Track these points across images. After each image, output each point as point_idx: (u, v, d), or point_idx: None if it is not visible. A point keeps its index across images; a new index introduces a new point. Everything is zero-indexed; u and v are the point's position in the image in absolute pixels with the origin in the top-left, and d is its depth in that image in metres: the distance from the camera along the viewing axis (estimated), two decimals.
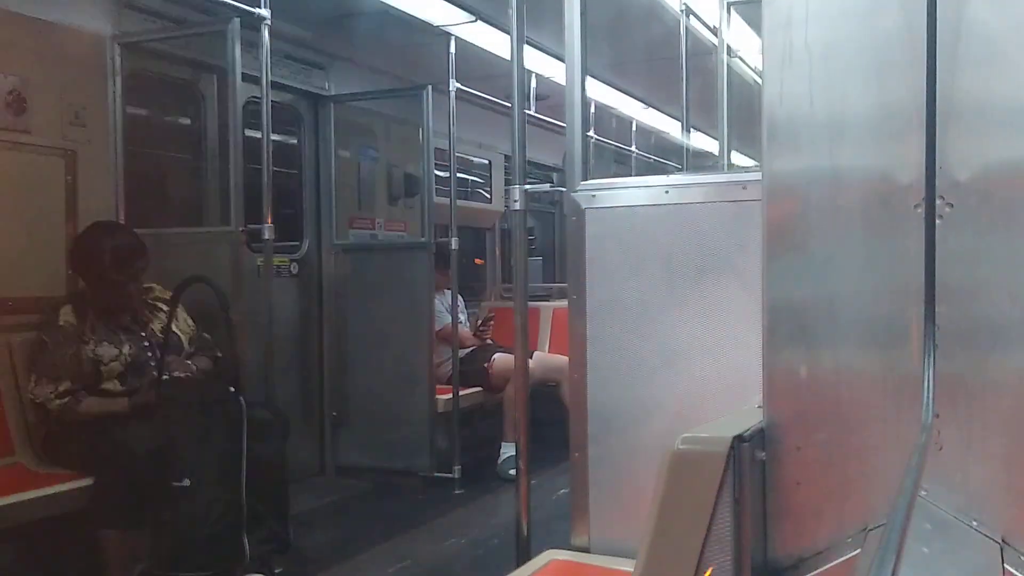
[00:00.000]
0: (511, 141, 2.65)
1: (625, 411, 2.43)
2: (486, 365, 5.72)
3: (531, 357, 5.71)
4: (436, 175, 5.47)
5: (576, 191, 2.48)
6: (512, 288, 2.89)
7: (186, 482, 3.17)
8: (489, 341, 6.05)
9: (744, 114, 4.38)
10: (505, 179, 7.33)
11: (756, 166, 1.96)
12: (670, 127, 7.83)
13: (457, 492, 5.11)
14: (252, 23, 3.95)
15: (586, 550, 2.46)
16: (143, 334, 3.57)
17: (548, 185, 7.48)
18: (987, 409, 1.53)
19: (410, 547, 4.21)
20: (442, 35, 5.06)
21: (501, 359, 5.65)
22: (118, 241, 3.53)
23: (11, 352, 3.51)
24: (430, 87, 5.16)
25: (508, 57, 2.64)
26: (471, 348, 5.87)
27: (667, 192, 2.39)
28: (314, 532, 4.36)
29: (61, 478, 3.24)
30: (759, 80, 1.74)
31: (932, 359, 1.51)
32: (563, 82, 2.53)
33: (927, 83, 1.53)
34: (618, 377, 2.44)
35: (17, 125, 3.63)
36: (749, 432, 1.57)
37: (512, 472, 3.37)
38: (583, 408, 2.48)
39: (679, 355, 2.36)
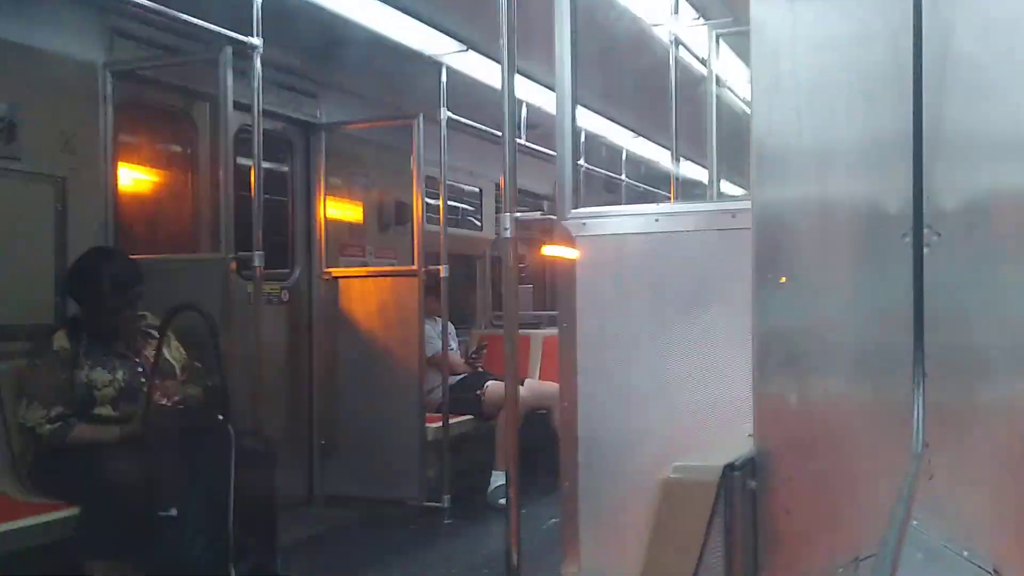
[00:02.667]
0: (502, 169, 2.66)
1: (616, 440, 2.42)
2: (479, 392, 5.70)
3: (522, 384, 5.74)
4: (427, 203, 5.48)
5: (567, 219, 2.49)
6: (502, 316, 2.89)
7: (173, 512, 3.14)
8: (481, 369, 6.04)
9: (733, 143, 4.41)
10: (495, 207, 7.35)
11: (745, 195, 1.97)
12: (660, 156, 7.88)
13: (447, 522, 5.07)
14: (244, 51, 3.96)
15: None
16: (136, 360, 3.56)
17: (539, 213, 7.50)
18: (977, 438, 1.53)
19: None
20: (434, 64, 5.10)
21: (494, 387, 5.62)
22: (116, 267, 3.54)
23: None
24: (421, 116, 5.18)
25: (499, 86, 2.66)
26: (463, 375, 5.85)
27: (657, 220, 2.40)
28: (302, 562, 4.31)
29: (46, 508, 3.20)
30: (748, 110, 1.75)
31: (922, 388, 1.51)
32: (554, 111, 2.55)
33: (914, 113, 1.54)
34: (608, 405, 2.43)
35: (7, 152, 3.62)
36: (740, 461, 1.57)
37: (502, 501, 3.35)
38: (573, 437, 2.47)
39: (669, 383, 2.36)
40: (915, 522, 1.52)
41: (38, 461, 3.39)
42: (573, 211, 2.49)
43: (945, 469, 1.54)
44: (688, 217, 2.38)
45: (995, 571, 1.50)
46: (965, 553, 1.52)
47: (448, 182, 5.50)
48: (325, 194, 5.54)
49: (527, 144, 5.65)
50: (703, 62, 4.70)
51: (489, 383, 5.70)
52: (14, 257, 3.70)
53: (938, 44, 1.54)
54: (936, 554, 1.52)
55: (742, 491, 1.56)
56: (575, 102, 2.53)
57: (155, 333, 3.62)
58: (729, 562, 1.51)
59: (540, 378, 6.48)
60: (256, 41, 3.98)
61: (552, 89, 2.56)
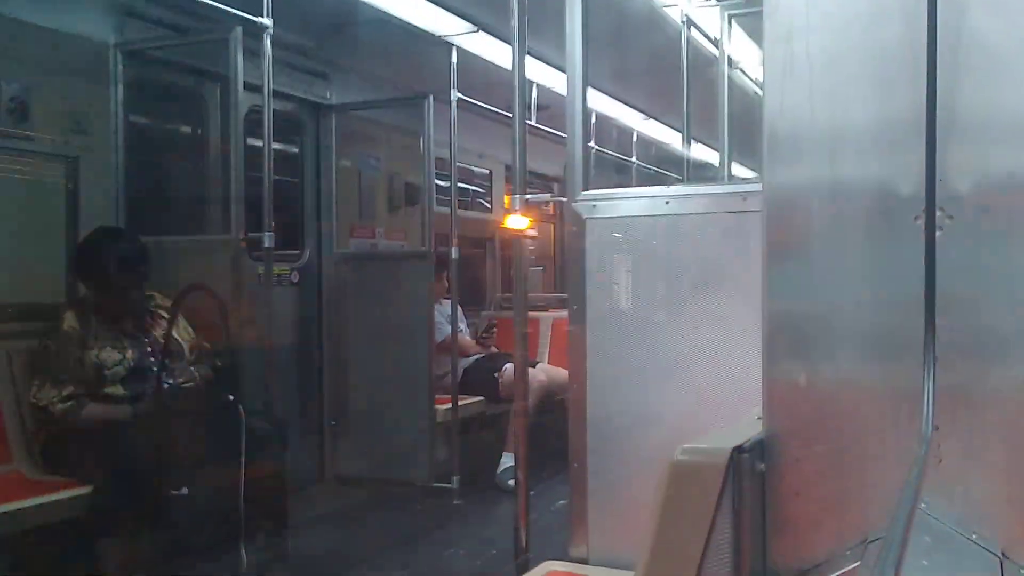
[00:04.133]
0: (512, 151, 2.66)
1: (624, 421, 2.42)
2: (496, 375, 5.68)
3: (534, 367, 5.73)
4: (437, 184, 5.47)
5: (577, 201, 2.48)
6: (512, 298, 2.89)
7: (184, 491, 3.17)
8: (494, 349, 6.02)
9: (745, 125, 4.39)
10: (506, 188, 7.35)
11: (756, 177, 1.96)
12: (671, 138, 7.85)
13: (456, 502, 5.09)
14: (254, 31, 3.95)
15: (584, 561, 2.45)
16: (146, 340, 3.58)
17: (549, 195, 7.49)
18: (987, 421, 1.52)
19: (408, 557, 4.20)
20: (444, 45, 5.08)
21: (512, 369, 5.57)
22: (122, 246, 3.56)
23: (10, 359, 3.51)
24: (431, 97, 5.16)
25: (510, 67, 2.65)
26: (477, 356, 5.84)
27: (667, 203, 2.40)
28: (312, 542, 4.35)
29: (59, 486, 3.23)
30: (760, 91, 1.74)
31: (932, 371, 1.51)
32: (564, 92, 2.54)
33: (927, 95, 1.53)
34: (618, 387, 2.43)
35: (19, 132, 3.63)
36: (749, 443, 1.57)
37: (511, 482, 3.37)
38: (582, 418, 2.47)
39: (679, 365, 2.36)
40: (924, 505, 1.52)
41: (51, 440, 3.42)
42: (583, 193, 2.49)
43: (954, 453, 1.54)
44: (699, 200, 2.38)
45: (1003, 554, 1.50)
46: (973, 536, 1.52)
47: (458, 164, 5.49)
48: (335, 175, 5.54)
49: (537, 125, 5.63)
50: (715, 43, 4.67)
51: (507, 365, 5.66)
52: (26, 236, 3.72)
53: (952, 25, 1.52)
54: (944, 537, 1.52)
55: (751, 473, 1.56)
56: (586, 83, 2.52)
57: (164, 313, 3.64)
58: (737, 544, 1.52)
59: (549, 361, 6.48)
60: (266, 21, 3.98)
61: (563, 70, 2.55)
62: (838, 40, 1.64)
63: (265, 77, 4.04)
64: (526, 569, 2.51)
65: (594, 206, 2.46)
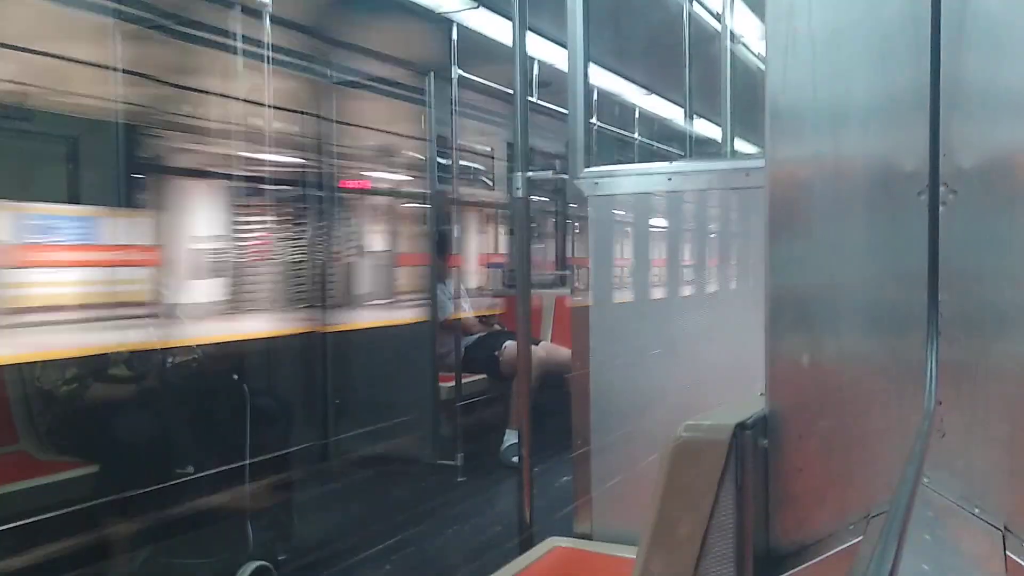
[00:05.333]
0: (514, 128, 2.65)
1: (628, 399, 2.43)
2: (496, 353, 5.68)
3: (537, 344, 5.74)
4: (438, 162, 5.46)
5: (579, 178, 2.48)
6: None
7: (189, 470, 3.19)
8: (497, 327, 6.03)
9: (747, 101, 4.37)
10: (507, 166, 7.32)
11: (759, 153, 1.95)
12: (673, 114, 7.81)
13: (460, 480, 5.11)
14: (254, 9, 3.93)
15: (588, 537, 2.46)
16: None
17: (551, 172, 7.46)
18: (990, 396, 1.52)
19: (412, 535, 4.21)
20: (444, 21, 5.05)
21: (512, 347, 5.58)
22: None
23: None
24: (432, 73, 5.14)
25: (511, 44, 2.63)
26: (479, 334, 5.84)
27: (670, 179, 2.39)
28: (317, 520, 4.37)
29: (65, 466, 3.25)
30: (762, 66, 1.73)
31: (935, 346, 1.51)
32: (566, 69, 2.53)
33: (931, 69, 1.52)
34: (621, 364, 2.44)
35: (20, 115, 3.63)
36: (751, 420, 1.57)
37: (515, 459, 3.39)
38: (586, 396, 2.48)
39: (682, 342, 2.36)
40: (926, 479, 1.52)
41: (56, 421, 3.43)
42: (586, 170, 2.48)
43: (957, 427, 1.54)
44: (701, 176, 2.37)
45: (1005, 528, 1.50)
46: (976, 510, 1.52)
47: (459, 141, 5.48)
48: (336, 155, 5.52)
49: (539, 102, 5.60)
50: (717, 17, 4.64)
51: (507, 344, 5.67)
52: None
53: None
54: (946, 511, 1.52)
55: (753, 450, 1.56)
56: (587, 60, 2.51)
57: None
58: (740, 520, 1.52)
59: (552, 340, 6.48)
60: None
61: (564, 46, 2.53)
62: (840, 14, 1.63)
63: (265, 55, 4.02)
64: (530, 545, 2.52)
65: (596, 183, 2.46)
